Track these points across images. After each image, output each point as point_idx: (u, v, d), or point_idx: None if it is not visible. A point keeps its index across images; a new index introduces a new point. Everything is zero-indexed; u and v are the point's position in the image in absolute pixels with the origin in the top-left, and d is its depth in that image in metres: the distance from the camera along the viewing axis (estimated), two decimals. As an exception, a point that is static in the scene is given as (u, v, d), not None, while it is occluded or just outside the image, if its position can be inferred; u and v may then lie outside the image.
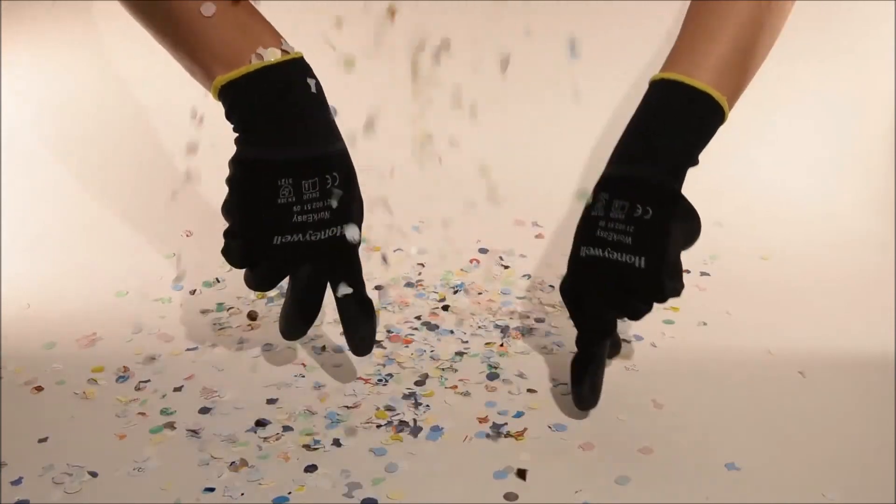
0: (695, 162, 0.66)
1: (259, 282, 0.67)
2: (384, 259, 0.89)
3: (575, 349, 0.69)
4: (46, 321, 0.82)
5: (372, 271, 0.89)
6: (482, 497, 0.61)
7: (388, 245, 0.94)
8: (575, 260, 0.68)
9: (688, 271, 0.89)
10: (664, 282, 0.65)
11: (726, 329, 0.80)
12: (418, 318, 0.82)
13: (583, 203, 0.68)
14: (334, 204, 0.65)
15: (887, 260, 0.91)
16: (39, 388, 0.73)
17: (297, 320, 0.68)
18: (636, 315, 0.67)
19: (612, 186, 0.66)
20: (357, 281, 0.69)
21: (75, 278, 0.88)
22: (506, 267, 0.91)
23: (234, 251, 0.66)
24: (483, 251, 0.94)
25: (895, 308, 0.83)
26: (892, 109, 1.02)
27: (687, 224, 0.66)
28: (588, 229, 0.67)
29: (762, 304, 0.84)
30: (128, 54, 1.01)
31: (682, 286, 0.67)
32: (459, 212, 0.98)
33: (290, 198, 0.64)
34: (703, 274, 0.90)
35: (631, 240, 0.65)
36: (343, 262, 0.68)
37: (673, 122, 0.66)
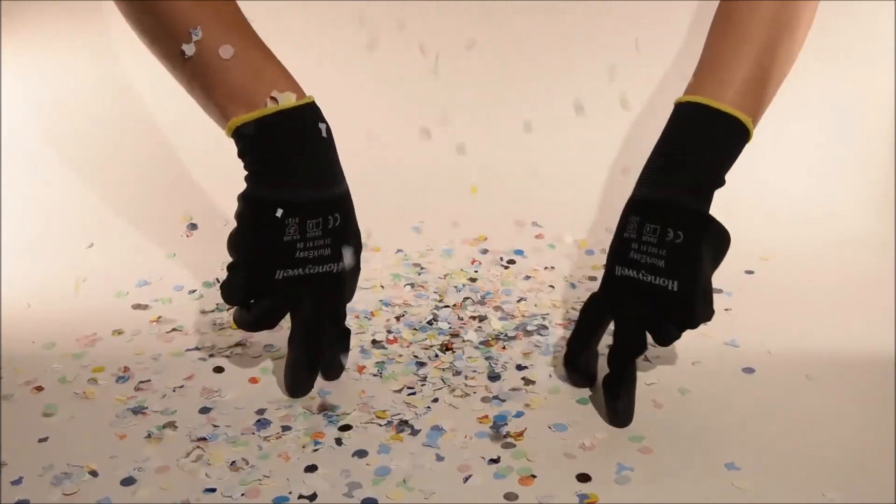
0: (721, 182, 0.68)
1: (258, 318, 0.69)
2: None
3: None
4: (46, 321, 0.82)
5: (372, 273, 0.90)
6: (482, 497, 0.61)
7: (389, 245, 0.94)
8: (610, 279, 0.69)
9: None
10: (696, 306, 0.66)
11: (726, 329, 0.80)
12: (418, 318, 0.82)
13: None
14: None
15: (887, 260, 0.91)
16: (39, 388, 0.73)
17: (303, 368, 0.71)
18: (666, 339, 0.68)
19: (643, 210, 0.68)
20: (341, 315, 0.73)
21: (75, 278, 0.88)
22: (506, 267, 0.91)
23: (236, 284, 0.69)
24: (483, 251, 0.94)
25: (895, 308, 0.83)
26: (892, 110, 1.02)
27: (716, 245, 0.68)
28: (622, 250, 0.68)
29: (762, 304, 0.84)
30: (128, 54, 1.01)
31: (712, 312, 0.68)
32: (460, 212, 0.98)
33: (295, 235, 0.67)
34: (703, 274, 0.90)
35: (664, 263, 0.66)
36: (336, 296, 0.71)
37: (700, 146, 0.67)
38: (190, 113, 1.00)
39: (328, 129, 0.69)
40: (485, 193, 1.00)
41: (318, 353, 0.71)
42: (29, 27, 0.99)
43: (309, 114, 0.68)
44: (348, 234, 0.70)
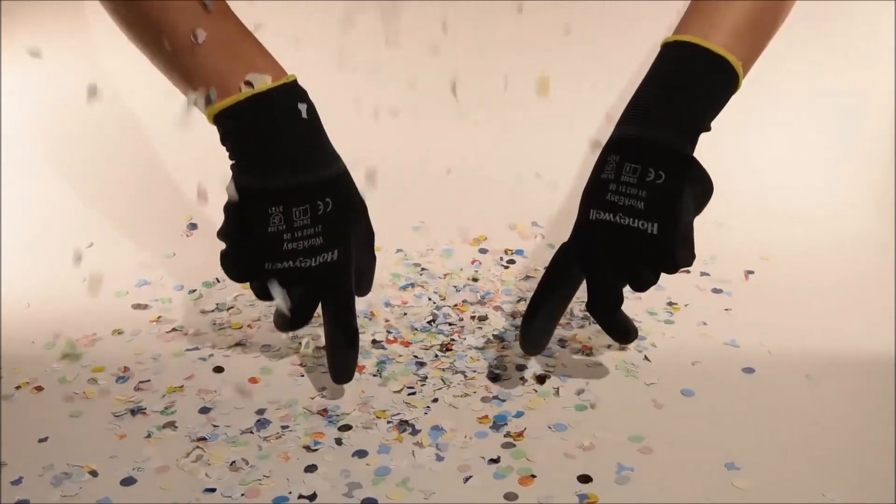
0: (707, 127, 0.65)
1: (256, 295, 0.69)
2: None
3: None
4: (46, 321, 0.82)
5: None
6: (482, 497, 0.61)
7: (389, 245, 0.94)
8: (584, 223, 0.66)
9: (688, 271, 0.90)
10: (676, 250, 0.64)
11: (726, 329, 0.80)
12: (418, 318, 0.82)
13: (596, 154, 0.66)
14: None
15: (887, 260, 0.91)
16: (39, 388, 0.73)
17: (285, 325, 0.70)
18: (642, 285, 0.65)
19: (624, 148, 0.65)
20: (347, 308, 0.69)
21: (75, 278, 0.88)
22: (506, 267, 0.91)
23: (228, 270, 0.68)
24: (483, 251, 0.94)
25: (895, 308, 0.83)
26: (893, 110, 1.02)
27: (699, 189, 0.65)
28: (598, 192, 0.65)
29: (762, 304, 0.84)
30: (127, 55, 1.00)
31: (693, 256, 0.65)
32: (459, 212, 0.98)
33: (281, 225, 0.65)
34: (703, 274, 0.90)
35: (643, 205, 0.63)
36: (335, 289, 0.68)
37: (687, 85, 0.64)
38: (191, 112, 1.01)
39: (310, 109, 0.66)
40: (485, 193, 1.00)
41: (302, 324, 0.68)
42: (29, 27, 0.99)
43: (286, 95, 0.65)
44: (346, 217, 0.67)
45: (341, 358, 0.69)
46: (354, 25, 1.01)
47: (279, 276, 0.66)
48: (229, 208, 0.66)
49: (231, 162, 0.66)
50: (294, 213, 0.65)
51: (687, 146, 0.64)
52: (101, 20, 1.00)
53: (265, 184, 0.65)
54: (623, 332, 0.68)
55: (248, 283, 0.69)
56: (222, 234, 0.67)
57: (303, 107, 0.66)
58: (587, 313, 0.81)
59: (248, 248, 0.66)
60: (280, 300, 0.67)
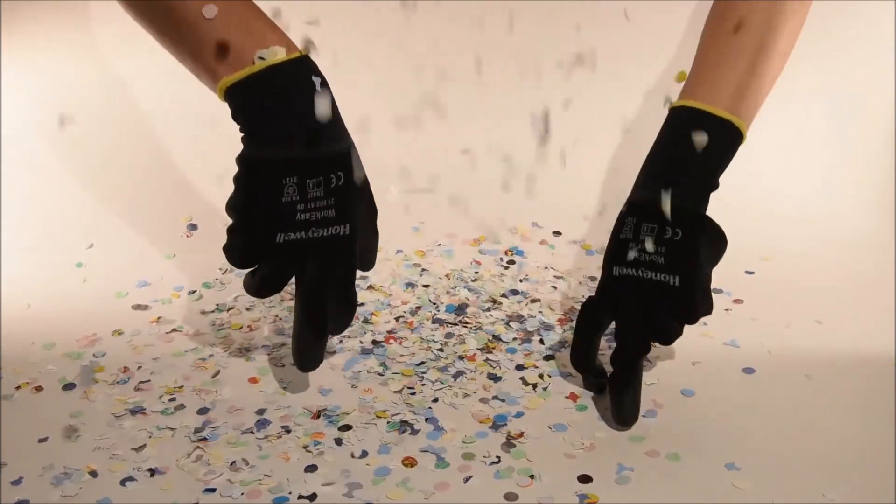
0: (716, 185, 0.68)
1: (261, 284, 0.67)
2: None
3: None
4: (46, 321, 0.82)
5: (372, 273, 0.89)
6: (482, 497, 0.61)
7: (389, 245, 0.94)
8: (609, 279, 0.69)
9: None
10: (697, 300, 0.67)
11: (726, 329, 0.80)
12: (418, 318, 0.82)
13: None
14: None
15: (887, 260, 0.91)
16: (39, 388, 0.73)
17: (310, 339, 0.67)
18: (670, 337, 0.68)
19: (640, 211, 0.68)
20: (351, 280, 0.69)
21: (75, 278, 0.88)
22: (506, 267, 0.91)
23: (237, 249, 0.66)
24: (483, 252, 0.94)
25: (895, 308, 0.83)
26: (893, 109, 1.02)
27: (714, 243, 0.69)
28: (619, 251, 0.69)
29: (762, 304, 0.84)
30: (127, 55, 1.01)
31: (711, 306, 0.69)
32: (460, 212, 0.98)
33: (294, 196, 0.64)
34: (703, 274, 0.90)
35: (664, 259, 0.67)
36: (345, 261, 0.68)
37: (695, 151, 0.67)
38: (190, 113, 1.01)
39: (323, 83, 0.66)
40: (485, 193, 1.00)
41: (323, 321, 0.67)
42: (29, 27, 0.99)
43: (301, 68, 0.65)
44: (356, 192, 0.67)
45: (342, 315, 0.69)
46: (354, 26, 1.01)
47: (291, 247, 0.65)
48: (240, 179, 0.65)
49: (241, 135, 0.66)
50: (308, 185, 0.64)
51: (700, 207, 0.68)
52: (102, 20, 1.01)
53: (279, 154, 0.64)
54: (629, 407, 0.67)
55: (247, 283, 0.68)
56: (231, 206, 0.66)
57: (316, 80, 0.65)
58: None
59: (259, 218, 0.65)
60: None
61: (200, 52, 0.65)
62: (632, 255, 0.68)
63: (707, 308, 0.68)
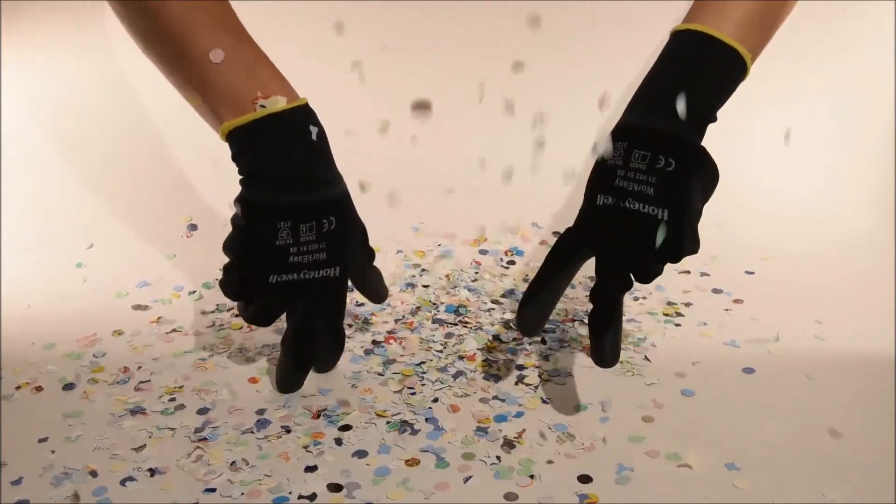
0: (714, 118, 0.65)
1: (253, 317, 0.69)
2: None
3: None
4: (46, 321, 0.82)
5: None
6: (482, 497, 0.61)
7: (389, 245, 0.94)
8: (590, 208, 0.66)
9: (688, 272, 0.90)
10: (685, 237, 0.63)
11: (726, 329, 0.80)
12: (418, 319, 0.82)
13: (595, 157, 0.66)
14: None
15: (887, 260, 0.91)
16: (39, 388, 0.73)
17: (294, 371, 0.71)
18: (647, 274, 0.65)
19: (632, 136, 0.64)
20: (340, 321, 0.72)
21: (75, 278, 0.88)
22: (506, 267, 0.91)
23: (231, 286, 0.68)
24: (483, 252, 0.94)
25: (895, 308, 0.83)
26: (893, 110, 1.02)
27: (707, 178, 0.65)
28: (605, 178, 0.65)
29: (762, 304, 0.84)
30: (128, 54, 1.00)
31: (698, 245, 0.65)
32: (460, 212, 0.98)
33: (288, 239, 0.66)
34: (703, 274, 0.90)
35: (653, 191, 0.63)
36: (333, 302, 0.70)
37: (696, 75, 0.64)
38: (190, 114, 1.01)
39: (320, 133, 0.68)
40: (485, 193, 1.00)
41: (309, 355, 0.71)
42: (29, 27, 0.99)
43: (298, 117, 0.67)
44: (347, 237, 0.69)
45: (330, 354, 0.73)
46: (351, 30, 1.01)
47: (283, 288, 0.67)
48: (237, 221, 0.68)
49: (240, 177, 0.68)
50: (301, 229, 0.66)
51: (696, 136, 0.64)
52: (102, 20, 1.01)
53: (275, 199, 0.66)
54: (610, 348, 0.65)
55: (240, 311, 0.70)
56: (228, 247, 0.68)
57: (314, 129, 0.68)
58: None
59: (254, 259, 0.67)
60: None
61: (205, 93, 0.67)
62: (619, 183, 0.64)
63: (693, 247, 0.64)
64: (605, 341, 0.65)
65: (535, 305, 0.66)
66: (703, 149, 0.64)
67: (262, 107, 0.66)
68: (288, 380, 0.71)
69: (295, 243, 0.66)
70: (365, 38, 1.02)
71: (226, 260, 0.68)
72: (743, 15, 0.65)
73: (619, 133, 0.65)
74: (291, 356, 0.71)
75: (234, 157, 0.67)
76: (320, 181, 0.68)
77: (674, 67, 0.65)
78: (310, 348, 0.71)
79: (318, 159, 0.68)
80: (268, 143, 0.66)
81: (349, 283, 0.71)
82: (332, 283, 0.69)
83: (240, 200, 0.67)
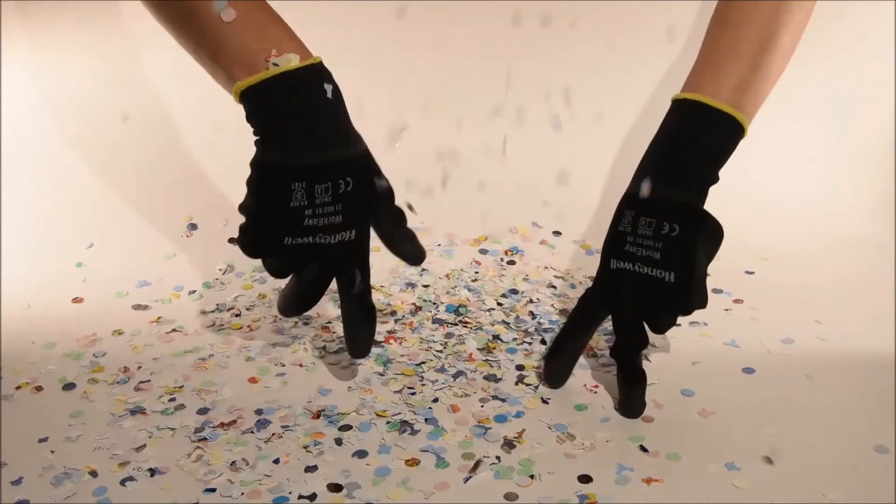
0: (716, 179, 0.68)
1: (270, 270, 0.68)
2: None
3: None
4: (46, 321, 0.82)
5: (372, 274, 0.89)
6: (482, 497, 0.61)
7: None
8: (605, 272, 0.70)
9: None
10: (693, 296, 0.67)
11: (726, 329, 0.80)
12: (418, 318, 0.82)
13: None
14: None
15: (887, 260, 0.91)
16: (39, 388, 0.73)
17: (292, 306, 0.69)
18: (662, 327, 0.69)
19: (638, 204, 0.68)
20: (363, 284, 0.69)
21: (75, 278, 0.88)
22: (506, 267, 0.91)
23: (247, 245, 0.68)
24: (483, 252, 0.94)
25: (895, 308, 0.83)
26: (893, 110, 1.02)
27: (711, 239, 0.69)
28: (617, 244, 0.69)
29: (762, 304, 0.84)
30: (127, 55, 1.01)
31: (706, 300, 0.69)
32: (460, 212, 0.98)
33: (303, 201, 0.65)
34: (703, 274, 0.90)
35: (660, 255, 0.67)
36: (353, 266, 0.68)
37: (697, 144, 0.68)
38: (190, 113, 1.01)
39: (335, 90, 0.67)
40: (485, 193, 1.00)
41: (309, 306, 0.69)
42: (29, 27, 0.99)
43: (313, 75, 0.66)
44: (366, 197, 0.68)
45: (358, 333, 0.70)
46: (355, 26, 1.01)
47: (297, 251, 0.66)
48: (252, 182, 0.67)
49: (255, 138, 0.67)
50: (316, 190, 0.65)
51: (698, 200, 0.68)
52: (102, 21, 1.01)
53: (289, 160, 0.65)
54: (637, 402, 0.69)
55: (258, 269, 0.69)
56: (243, 207, 0.68)
57: (328, 87, 0.66)
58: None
59: (268, 221, 0.66)
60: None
61: (218, 54, 0.66)
62: (629, 248, 0.68)
63: (702, 302, 0.68)
64: (634, 397, 0.69)
65: (560, 361, 0.72)
66: (706, 212, 0.68)
67: (275, 65, 0.65)
68: (287, 309, 0.69)
69: (310, 205, 0.66)
70: (366, 38, 1.02)
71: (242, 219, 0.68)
72: (739, 80, 0.69)
73: (626, 202, 0.69)
74: (293, 302, 0.68)
75: (248, 118, 0.66)
76: (336, 141, 0.67)
77: (674, 138, 0.69)
78: (313, 300, 0.68)
79: (333, 117, 0.67)
80: (281, 101, 0.65)
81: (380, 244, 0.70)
82: (349, 247, 0.67)
83: (254, 162, 0.67)
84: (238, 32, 0.65)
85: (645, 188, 0.68)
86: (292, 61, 0.65)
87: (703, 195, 0.68)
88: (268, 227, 0.66)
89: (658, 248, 0.67)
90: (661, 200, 0.68)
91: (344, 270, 0.68)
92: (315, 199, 0.65)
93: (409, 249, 0.72)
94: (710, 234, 0.68)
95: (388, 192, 0.70)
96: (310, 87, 0.66)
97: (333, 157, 0.66)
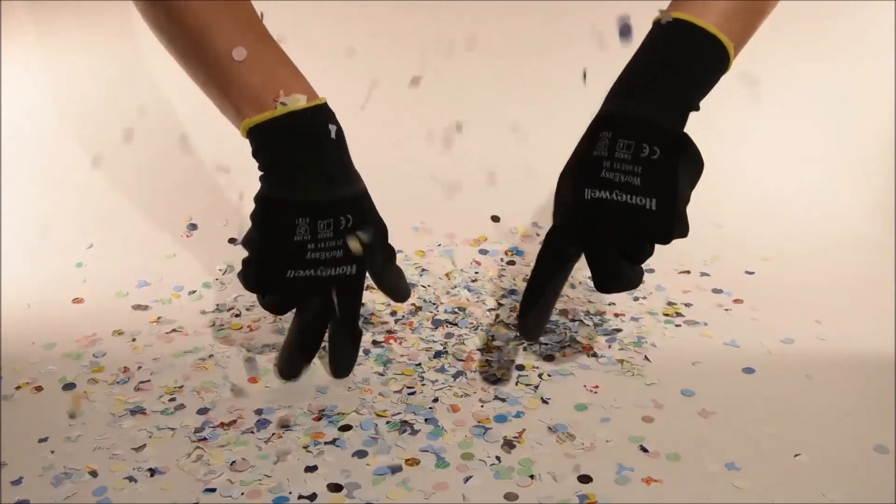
0: (696, 107, 0.65)
1: (269, 306, 0.70)
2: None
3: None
4: (46, 321, 0.82)
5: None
6: (482, 497, 0.61)
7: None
8: (577, 203, 0.65)
9: (688, 272, 0.90)
10: (674, 225, 0.64)
11: (726, 329, 0.80)
12: (418, 318, 0.82)
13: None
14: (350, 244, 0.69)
15: (887, 260, 0.91)
16: (39, 388, 0.73)
17: (298, 357, 0.72)
18: (641, 258, 0.65)
19: (616, 125, 0.64)
20: (355, 317, 0.72)
21: (75, 278, 0.88)
22: (506, 267, 0.91)
23: (249, 279, 0.69)
24: (483, 252, 0.94)
25: (895, 308, 0.83)
26: (892, 110, 1.02)
27: (692, 164, 0.65)
28: (592, 170, 0.64)
29: (762, 304, 0.84)
30: (127, 55, 1.01)
31: (687, 228, 0.65)
32: (459, 212, 0.98)
33: (306, 236, 0.67)
34: (703, 274, 0.90)
35: (639, 181, 0.63)
36: (350, 298, 0.71)
37: (678, 63, 0.64)
38: (190, 113, 1.01)
39: (339, 131, 0.69)
40: (485, 193, 1.00)
41: (315, 344, 0.72)
42: (30, 27, 0.99)
43: (318, 115, 0.68)
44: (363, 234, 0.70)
45: (344, 355, 0.73)
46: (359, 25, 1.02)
47: (300, 284, 0.68)
48: (256, 217, 0.69)
49: (260, 174, 0.69)
50: (319, 225, 0.67)
51: (679, 124, 0.64)
52: (102, 21, 1.01)
53: (294, 196, 0.67)
54: (628, 280, 0.66)
55: (259, 300, 0.71)
56: (247, 241, 0.69)
57: (332, 128, 0.68)
58: (589, 315, 0.82)
59: (272, 254, 0.68)
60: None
61: (227, 89, 0.68)
62: (605, 175, 0.63)
63: (683, 231, 0.64)
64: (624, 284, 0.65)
65: (535, 312, 0.67)
66: (687, 136, 0.64)
67: (283, 104, 0.66)
68: (291, 366, 0.73)
69: (313, 240, 0.67)
70: (369, 39, 1.02)
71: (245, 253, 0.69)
72: (726, 5, 0.65)
73: (601, 122, 0.65)
74: (298, 343, 0.71)
75: (255, 154, 0.68)
76: (339, 179, 0.69)
77: (654, 55, 0.65)
78: (317, 338, 0.72)
79: (336, 158, 0.69)
80: (288, 140, 0.67)
81: (367, 280, 0.72)
82: (348, 280, 0.69)
83: (259, 197, 0.68)
84: (248, 70, 0.67)
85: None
86: (300, 101, 0.67)
87: (684, 119, 0.64)
88: (272, 260, 0.68)
89: (637, 173, 0.62)
90: (640, 121, 0.63)
91: (342, 303, 0.70)
92: (318, 234, 0.68)
93: (397, 286, 0.75)
94: (691, 159, 0.64)
95: (383, 231, 0.72)
96: (315, 126, 0.68)
97: (336, 194, 0.68)
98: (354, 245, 0.68)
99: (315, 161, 0.67)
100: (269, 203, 0.68)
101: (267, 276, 0.69)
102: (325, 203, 0.68)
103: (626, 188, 0.63)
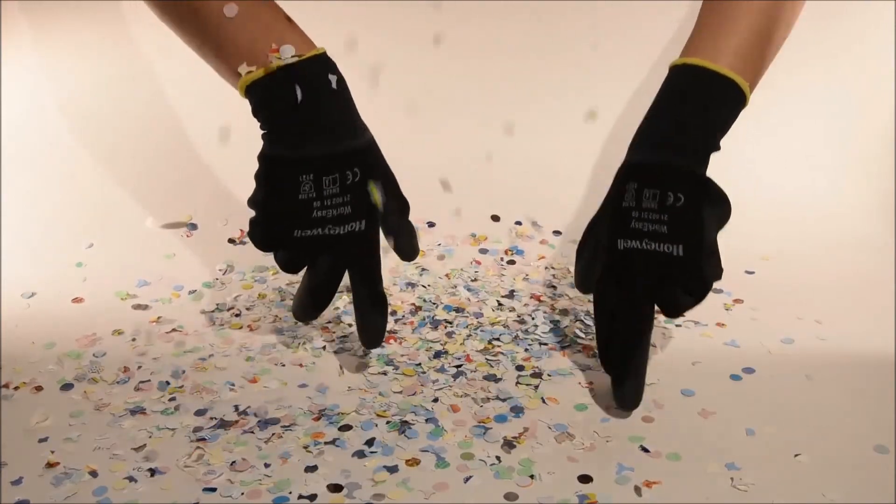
0: (717, 147, 0.66)
1: (281, 265, 0.69)
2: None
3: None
4: (46, 321, 0.82)
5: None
6: (482, 497, 0.61)
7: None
8: (614, 255, 0.67)
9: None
10: (703, 268, 0.65)
11: (726, 329, 0.80)
12: (418, 318, 0.82)
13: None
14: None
15: (887, 260, 0.91)
16: (39, 388, 0.73)
17: (309, 306, 0.71)
18: (678, 309, 0.66)
19: (640, 175, 0.66)
20: (373, 274, 0.70)
21: (75, 278, 0.88)
22: (506, 267, 0.91)
23: (257, 238, 0.68)
24: (483, 251, 0.94)
25: (895, 308, 0.83)
26: (893, 110, 1.02)
27: (718, 207, 0.66)
28: (622, 221, 0.66)
29: (762, 304, 0.84)
30: (127, 55, 1.01)
31: (720, 270, 0.66)
32: (459, 212, 0.98)
33: (311, 193, 0.66)
34: (703, 274, 0.90)
35: (667, 228, 0.64)
36: (363, 256, 0.69)
37: (697, 108, 0.66)
38: (191, 113, 1.01)
39: (339, 81, 0.67)
40: (485, 193, 1.00)
41: (325, 303, 0.70)
42: (30, 26, 0.99)
43: (317, 66, 0.66)
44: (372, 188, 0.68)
45: (371, 322, 0.71)
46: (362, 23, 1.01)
47: (308, 243, 0.67)
48: (260, 176, 0.67)
49: (262, 132, 0.67)
50: (324, 182, 0.66)
51: (700, 168, 0.66)
52: (102, 21, 1.01)
53: (296, 153, 0.66)
54: (633, 390, 0.67)
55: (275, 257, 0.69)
56: (252, 201, 0.68)
57: (332, 78, 0.67)
58: (590, 315, 0.82)
59: (277, 214, 0.67)
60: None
61: (222, 50, 0.67)
62: (635, 225, 0.65)
63: (716, 273, 0.66)
64: (627, 386, 0.67)
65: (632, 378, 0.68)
66: (710, 180, 0.65)
67: (278, 58, 0.65)
68: (304, 314, 0.72)
69: (318, 197, 0.66)
70: (369, 38, 1.02)
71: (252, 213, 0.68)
72: (739, 45, 0.66)
73: (627, 174, 0.67)
74: (309, 302, 0.70)
75: (254, 112, 0.67)
76: (342, 131, 0.67)
77: (674, 103, 0.67)
78: (328, 296, 0.70)
79: (338, 109, 0.67)
80: (285, 94, 0.65)
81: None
82: (359, 236, 0.68)
83: (261, 156, 0.67)
84: (241, 28, 0.66)
85: None
86: (294, 53, 0.65)
87: (705, 162, 0.65)
88: (277, 220, 0.67)
89: (664, 221, 0.64)
90: (664, 168, 0.65)
91: (355, 261, 0.69)
92: (323, 191, 0.66)
93: (406, 244, 0.72)
94: (716, 202, 0.66)
95: (393, 182, 0.70)
96: (314, 78, 0.66)
97: (340, 148, 0.66)
98: (376, 196, 0.66)
99: (315, 114, 0.66)
100: (270, 161, 0.66)
101: (273, 237, 0.67)
102: (328, 158, 0.66)
103: (655, 236, 0.65)
